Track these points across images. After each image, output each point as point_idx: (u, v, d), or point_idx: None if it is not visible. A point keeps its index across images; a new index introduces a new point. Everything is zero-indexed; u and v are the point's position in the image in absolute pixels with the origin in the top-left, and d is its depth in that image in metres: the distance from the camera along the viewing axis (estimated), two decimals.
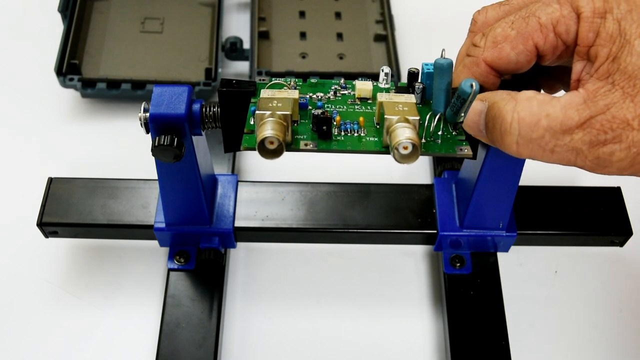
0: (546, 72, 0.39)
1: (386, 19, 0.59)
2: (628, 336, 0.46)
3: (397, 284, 0.48)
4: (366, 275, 0.48)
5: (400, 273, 0.48)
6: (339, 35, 0.59)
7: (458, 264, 0.46)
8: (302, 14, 0.61)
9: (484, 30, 0.34)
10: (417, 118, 0.31)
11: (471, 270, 0.45)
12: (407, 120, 0.31)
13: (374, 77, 0.54)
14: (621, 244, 0.47)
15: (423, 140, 0.33)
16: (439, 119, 0.33)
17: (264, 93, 0.34)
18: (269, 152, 0.31)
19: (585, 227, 0.46)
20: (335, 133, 0.33)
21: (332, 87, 0.36)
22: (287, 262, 0.48)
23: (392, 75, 0.55)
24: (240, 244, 0.48)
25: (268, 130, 0.30)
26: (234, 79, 0.35)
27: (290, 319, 0.46)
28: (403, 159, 0.31)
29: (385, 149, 0.32)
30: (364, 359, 0.45)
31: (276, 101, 0.32)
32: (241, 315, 0.46)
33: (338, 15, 0.61)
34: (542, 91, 0.38)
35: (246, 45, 0.58)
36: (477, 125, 0.33)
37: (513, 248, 0.47)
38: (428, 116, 0.33)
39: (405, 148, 0.30)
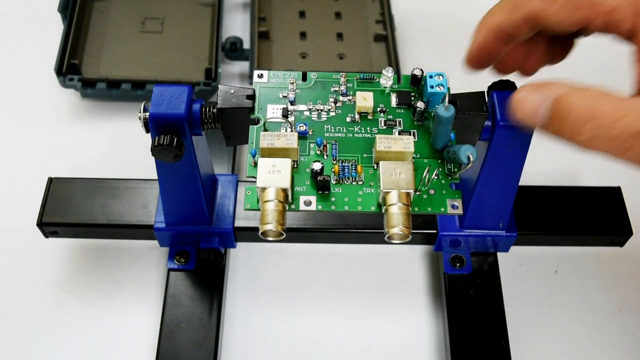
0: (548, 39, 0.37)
1: (386, 19, 0.59)
2: (628, 336, 0.46)
3: (397, 284, 0.48)
4: (366, 275, 0.48)
5: (400, 273, 0.48)
6: (339, 35, 0.59)
7: (458, 264, 0.46)
8: (302, 14, 0.61)
9: None
10: (412, 191, 0.33)
11: (471, 270, 0.45)
12: (403, 199, 0.33)
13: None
14: (621, 244, 0.47)
15: (417, 193, 0.34)
16: (436, 166, 0.35)
17: (263, 139, 0.34)
18: (272, 238, 0.34)
19: (585, 227, 0.46)
20: (334, 182, 0.35)
21: (332, 93, 0.36)
22: (287, 262, 0.48)
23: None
24: (240, 244, 0.48)
25: (270, 224, 0.32)
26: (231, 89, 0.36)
27: (290, 319, 0.46)
28: (394, 242, 0.34)
29: (379, 209, 0.34)
30: (364, 359, 0.45)
31: (275, 165, 0.33)
32: (241, 315, 0.46)
33: (338, 15, 0.61)
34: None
35: (246, 45, 0.57)
36: (535, 116, 0.31)
37: (513, 248, 0.47)
38: (426, 171, 0.34)
39: (396, 238, 0.33)
